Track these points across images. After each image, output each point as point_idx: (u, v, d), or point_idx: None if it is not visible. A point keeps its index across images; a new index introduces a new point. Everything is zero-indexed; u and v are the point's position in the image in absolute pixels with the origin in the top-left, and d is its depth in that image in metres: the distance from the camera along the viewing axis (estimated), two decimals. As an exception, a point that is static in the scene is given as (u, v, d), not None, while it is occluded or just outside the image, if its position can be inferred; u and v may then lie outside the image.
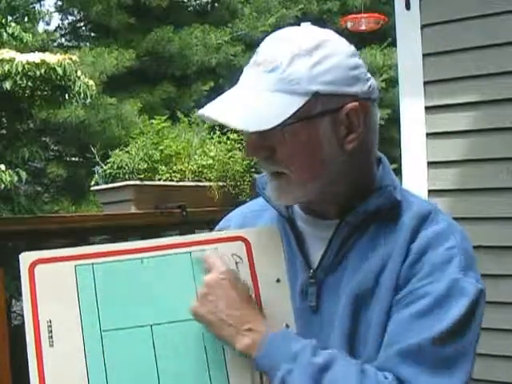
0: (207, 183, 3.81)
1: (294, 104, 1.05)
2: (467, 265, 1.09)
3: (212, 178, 3.81)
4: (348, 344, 1.09)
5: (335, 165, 1.10)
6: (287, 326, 1.09)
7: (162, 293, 1.10)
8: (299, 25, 1.37)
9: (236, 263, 1.12)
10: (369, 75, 1.12)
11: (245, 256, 1.12)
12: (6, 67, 5.89)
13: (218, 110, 1.08)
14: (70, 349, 1.06)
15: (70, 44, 10.49)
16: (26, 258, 1.09)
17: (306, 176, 1.10)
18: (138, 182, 3.62)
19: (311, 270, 1.15)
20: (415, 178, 2.83)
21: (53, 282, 1.09)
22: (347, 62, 1.09)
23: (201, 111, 1.09)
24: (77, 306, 1.08)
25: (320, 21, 11.01)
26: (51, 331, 1.06)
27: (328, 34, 1.11)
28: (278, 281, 1.12)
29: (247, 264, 1.12)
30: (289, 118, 1.04)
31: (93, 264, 1.10)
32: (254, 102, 1.06)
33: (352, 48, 1.13)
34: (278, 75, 1.06)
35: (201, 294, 1.07)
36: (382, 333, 1.07)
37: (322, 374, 1.00)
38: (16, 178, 5.89)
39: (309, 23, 1.19)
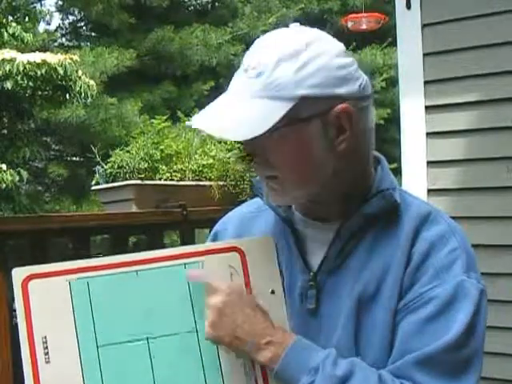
0: (207, 183, 3.80)
1: (280, 109, 1.04)
2: (469, 265, 1.09)
3: (212, 177, 3.81)
4: (355, 345, 1.09)
5: (327, 167, 1.09)
6: None
7: (158, 305, 1.09)
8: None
9: (231, 274, 1.12)
10: (359, 73, 1.10)
11: (239, 267, 1.11)
12: (7, 67, 5.90)
13: (205, 120, 1.08)
14: (66, 365, 1.05)
15: (70, 44, 10.50)
16: (18, 274, 1.07)
17: (298, 179, 1.09)
18: (138, 182, 3.62)
19: (311, 273, 1.14)
20: (415, 177, 2.83)
21: (47, 298, 1.07)
22: (334, 62, 1.06)
23: (188, 123, 1.10)
24: (72, 321, 1.07)
25: (320, 20, 11.02)
26: (47, 347, 1.05)
27: (314, 35, 1.09)
28: (272, 292, 1.11)
29: (242, 275, 1.11)
30: (277, 123, 1.03)
31: (87, 278, 1.08)
32: (241, 109, 1.05)
33: (339, 47, 1.10)
34: (264, 81, 1.05)
35: (213, 317, 1.06)
36: (387, 335, 1.07)
37: None
38: (17, 178, 5.90)
39: (297, 24, 1.16)
